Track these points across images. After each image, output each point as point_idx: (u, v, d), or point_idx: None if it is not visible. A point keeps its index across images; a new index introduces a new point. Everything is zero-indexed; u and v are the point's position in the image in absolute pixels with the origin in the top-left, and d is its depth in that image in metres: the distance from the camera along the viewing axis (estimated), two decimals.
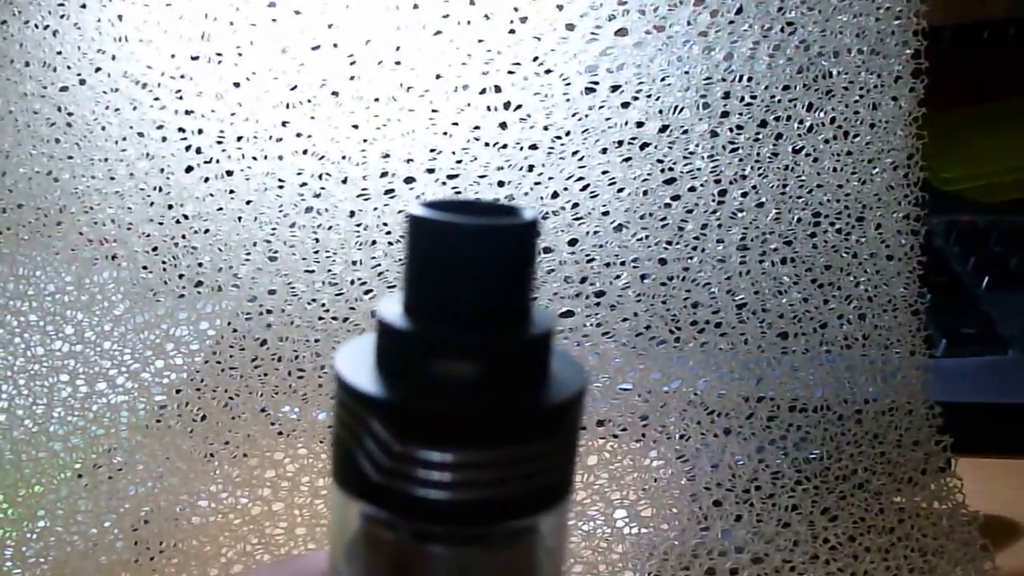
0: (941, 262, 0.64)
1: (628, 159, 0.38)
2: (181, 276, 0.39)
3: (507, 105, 0.38)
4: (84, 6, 0.39)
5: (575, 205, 0.39)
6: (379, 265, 0.39)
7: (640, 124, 0.38)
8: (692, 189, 0.39)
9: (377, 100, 0.38)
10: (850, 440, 0.40)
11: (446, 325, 0.14)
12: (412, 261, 0.15)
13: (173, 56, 0.39)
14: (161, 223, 0.39)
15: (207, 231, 0.39)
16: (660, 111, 0.38)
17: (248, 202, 0.38)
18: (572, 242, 0.39)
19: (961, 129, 0.75)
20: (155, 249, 0.40)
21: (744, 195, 0.39)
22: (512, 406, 0.14)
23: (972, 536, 0.39)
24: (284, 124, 0.39)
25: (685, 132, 0.38)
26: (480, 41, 0.37)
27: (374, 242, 0.39)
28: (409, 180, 0.38)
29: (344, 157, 0.38)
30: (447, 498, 0.14)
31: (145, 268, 0.39)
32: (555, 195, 0.39)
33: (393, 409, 0.14)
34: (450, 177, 0.38)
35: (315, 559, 0.21)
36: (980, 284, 0.61)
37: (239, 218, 0.39)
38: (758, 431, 0.39)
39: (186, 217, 0.39)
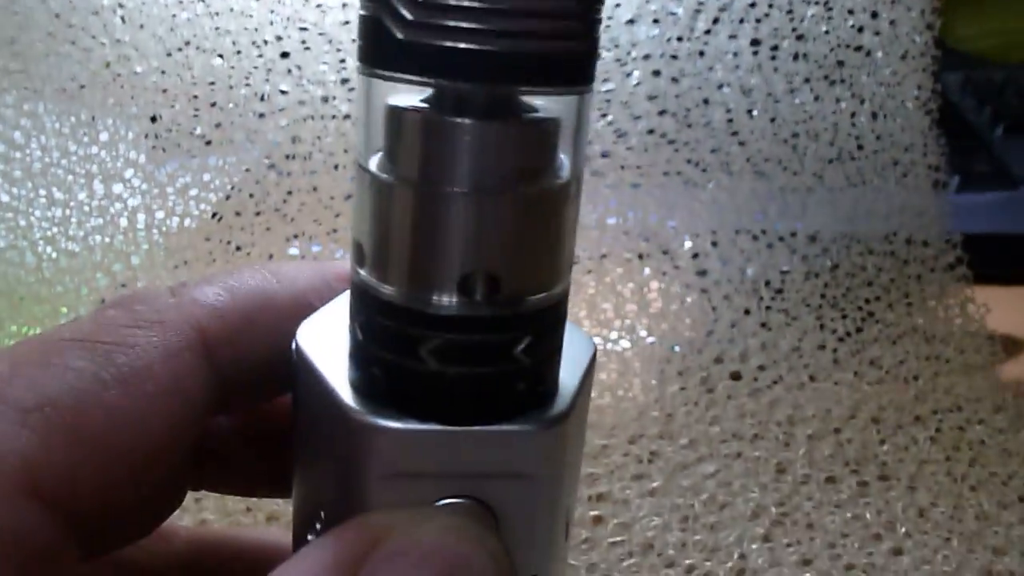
0: (956, 113, 0.64)
1: None
2: (193, 78, 0.40)
3: None
4: None
5: None
6: None
7: None
8: None
9: None
10: (860, 237, 0.40)
11: None
12: None
13: None
14: (173, 23, 0.39)
15: (217, 29, 0.39)
16: None
17: None
18: None
19: None
20: (168, 54, 0.40)
21: None
22: None
23: (979, 327, 0.39)
24: None
25: None
26: None
27: None
28: None
29: None
30: (470, 48, 0.14)
31: (159, 69, 0.40)
32: None
33: None
34: None
35: (343, 263, 0.21)
36: (995, 131, 0.61)
37: (250, 15, 0.39)
38: (768, 229, 0.40)
39: (197, 16, 0.39)
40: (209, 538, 0.22)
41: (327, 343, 0.17)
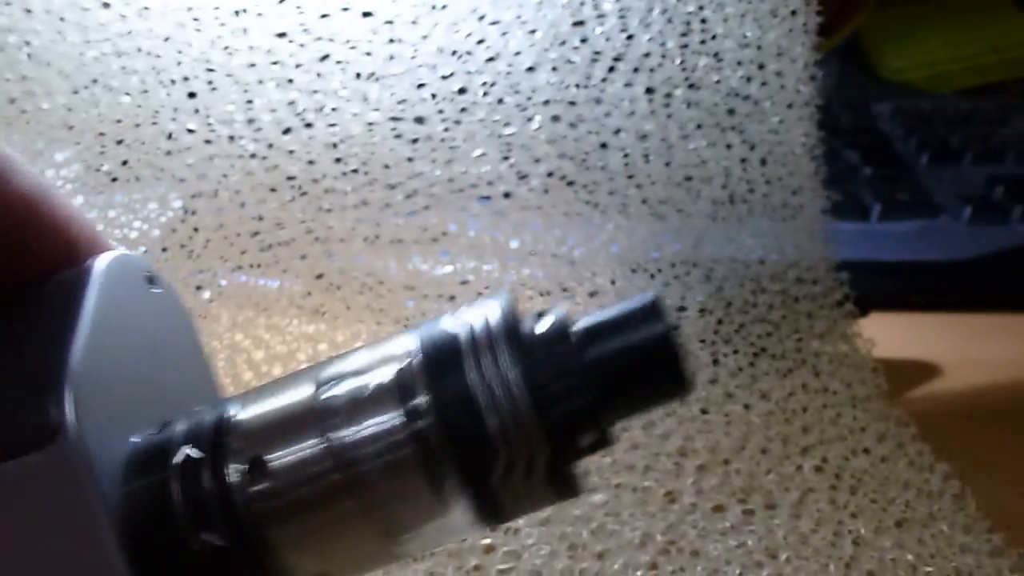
0: (884, 143, 0.69)
1: (540, 0, 0.42)
2: (100, 116, 0.42)
3: None
4: None
5: (488, 46, 0.42)
6: (294, 103, 0.42)
7: None
8: (600, 32, 0.42)
9: None
10: (752, 276, 0.44)
11: None
12: None
13: None
14: (80, 61, 0.41)
15: (124, 68, 0.41)
16: None
17: (166, 39, 0.41)
18: (485, 83, 0.42)
19: (910, 19, 0.79)
20: (75, 92, 0.42)
21: (650, 40, 0.43)
22: None
23: (865, 359, 0.43)
24: None
25: None
26: None
27: (291, 80, 0.41)
28: (324, 16, 0.41)
29: None
30: None
31: (65, 107, 0.42)
32: (468, 35, 0.42)
33: None
34: (364, 15, 0.41)
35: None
36: (920, 160, 0.66)
37: (158, 55, 0.41)
38: (664, 267, 0.43)
39: (104, 55, 0.41)
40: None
41: None
